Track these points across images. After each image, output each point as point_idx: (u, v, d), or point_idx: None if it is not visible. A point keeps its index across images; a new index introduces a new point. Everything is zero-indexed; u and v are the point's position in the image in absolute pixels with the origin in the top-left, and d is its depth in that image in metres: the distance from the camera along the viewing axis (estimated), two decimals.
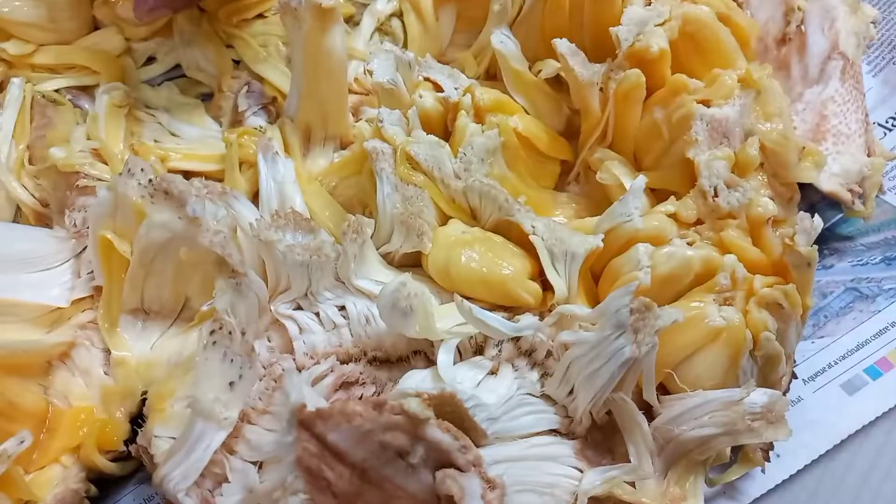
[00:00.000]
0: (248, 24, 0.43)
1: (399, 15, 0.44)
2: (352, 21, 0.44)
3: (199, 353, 0.26)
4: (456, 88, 0.34)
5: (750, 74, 0.33)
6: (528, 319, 0.29)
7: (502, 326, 0.28)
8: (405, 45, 0.42)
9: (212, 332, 0.26)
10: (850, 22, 0.38)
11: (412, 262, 0.32)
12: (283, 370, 0.28)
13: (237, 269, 0.27)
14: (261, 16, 0.44)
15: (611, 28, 0.34)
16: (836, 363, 0.36)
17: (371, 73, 0.34)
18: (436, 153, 0.32)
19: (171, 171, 0.38)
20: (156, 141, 0.39)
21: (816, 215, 0.30)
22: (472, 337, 0.29)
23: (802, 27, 0.39)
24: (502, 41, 0.36)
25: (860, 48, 0.38)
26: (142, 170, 0.30)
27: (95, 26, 0.43)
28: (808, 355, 0.36)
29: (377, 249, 0.32)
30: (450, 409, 0.26)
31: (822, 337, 0.36)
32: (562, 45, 0.34)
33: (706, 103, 0.33)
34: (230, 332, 0.26)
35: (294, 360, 0.29)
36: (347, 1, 0.44)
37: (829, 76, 0.38)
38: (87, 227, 0.32)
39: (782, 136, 0.32)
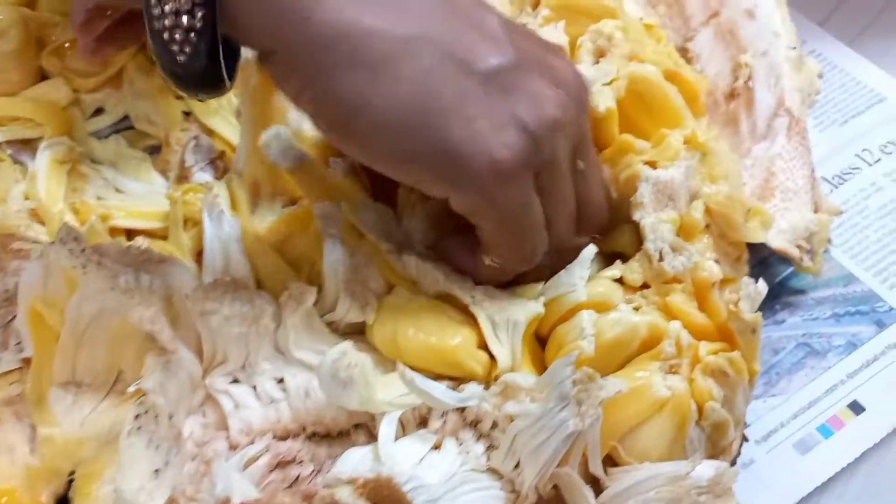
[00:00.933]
0: None
1: None
2: None
3: (124, 439, 0.25)
4: None
5: (696, 136, 0.33)
6: (472, 389, 0.28)
7: (446, 397, 0.27)
8: None
9: (137, 417, 0.25)
10: (794, 79, 0.39)
11: (357, 330, 0.31)
12: (213, 454, 0.27)
13: (167, 345, 0.27)
14: None
15: None
16: (789, 422, 0.35)
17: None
18: (382, 220, 0.31)
19: (113, 229, 0.37)
20: (99, 198, 0.38)
21: (761, 280, 0.30)
22: (415, 408, 0.28)
23: (750, 83, 0.40)
24: None
25: (805, 104, 0.39)
26: (75, 239, 0.29)
27: (42, 76, 0.43)
28: (760, 414, 0.36)
29: (322, 316, 0.31)
30: (387, 493, 0.25)
31: (774, 395, 0.36)
32: None
33: (653, 164, 0.33)
34: (157, 416, 0.25)
35: (228, 438, 0.28)
36: None
37: (776, 133, 0.38)
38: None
39: (728, 198, 0.32)
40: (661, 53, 0.36)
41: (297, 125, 0.34)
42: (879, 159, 0.43)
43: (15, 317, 0.32)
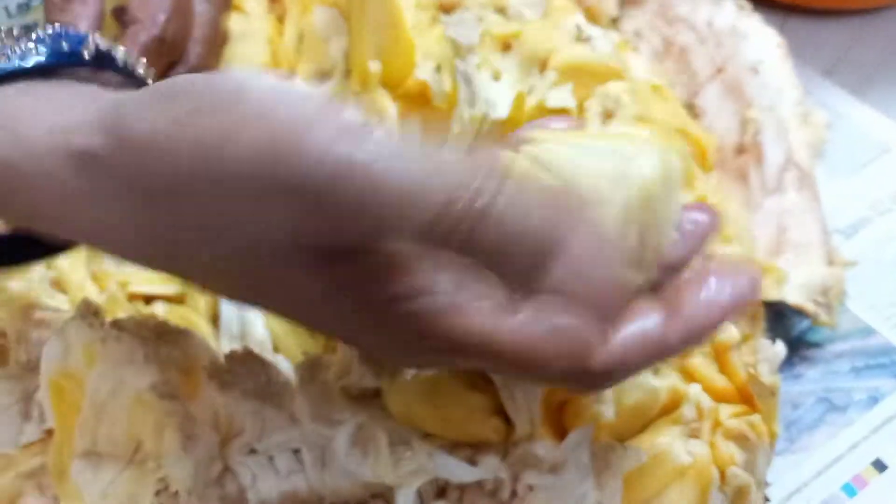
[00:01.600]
0: None
1: None
2: None
3: None
4: None
5: (706, 198, 0.33)
6: (489, 461, 0.28)
7: (463, 472, 0.27)
8: None
9: (157, 493, 0.25)
10: (802, 133, 0.39)
11: (372, 395, 0.31)
12: None
13: (185, 419, 0.27)
14: None
15: None
16: (812, 481, 0.35)
17: None
18: None
19: (132, 295, 0.38)
20: (117, 265, 0.39)
21: (779, 342, 0.30)
22: (432, 479, 0.28)
23: (758, 138, 0.40)
24: None
25: (813, 158, 0.39)
26: (94, 313, 0.29)
27: None
28: (781, 473, 0.35)
29: (337, 381, 0.31)
30: None
31: (795, 452, 0.36)
32: None
33: None
34: (176, 493, 0.25)
35: None
36: None
37: (786, 187, 0.39)
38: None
39: (741, 259, 0.32)
40: (669, 113, 0.37)
41: None
42: (891, 209, 0.43)
43: (37, 388, 0.32)
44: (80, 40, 0.25)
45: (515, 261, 0.21)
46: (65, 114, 0.22)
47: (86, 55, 0.24)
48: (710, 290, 0.22)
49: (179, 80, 0.22)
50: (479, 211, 0.19)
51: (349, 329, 0.23)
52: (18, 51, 0.24)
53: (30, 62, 0.23)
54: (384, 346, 0.23)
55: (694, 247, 0.25)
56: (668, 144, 0.25)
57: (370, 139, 0.19)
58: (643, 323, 0.22)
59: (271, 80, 0.21)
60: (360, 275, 0.21)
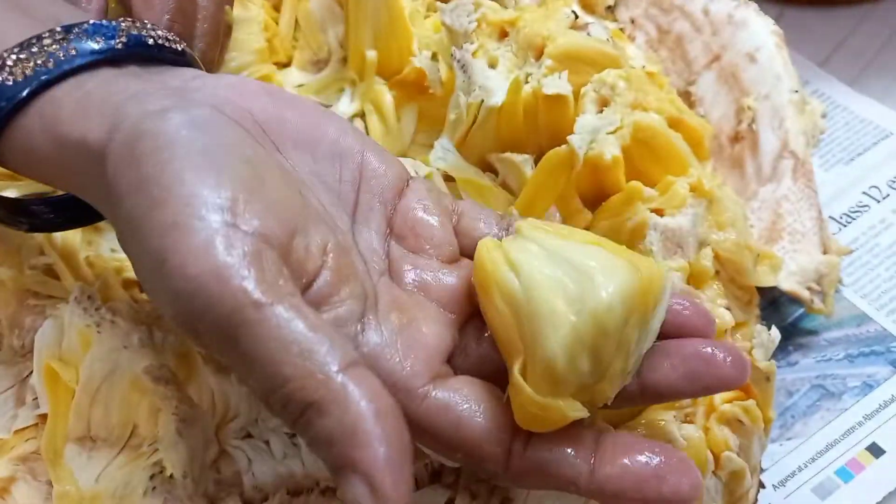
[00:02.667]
0: None
1: (361, 115, 0.44)
2: None
3: (140, 501, 0.25)
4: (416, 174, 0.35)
5: (701, 184, 0.33)
6: None
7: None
8: None
9: (152, 477, 0.25)
10: (798, 121, 0.39)
11: None
12: None
13: (180, 403, 0.27)
14: None
15: (568, 137, 0.34)
16: (806, 466, 0.35)
17: None
18: None
19: (127, 281, 0.38)
20: (113, 250, 0.39)
21: (774, 328, 0.30)
22: (427, 462, 0.28)
23: (754, 126, 0.40)
24: (441, 157, 0.36)
25: (810, 146, 0.39)
26: (89, 298, 0.29)
27: None
28: (776, 458, 0.35)
29: None
30: None
31: (790, 438, 0.36)
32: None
33: (660, 212, 0.33)
34: (171, 476, 0.25)
35: (242, 494, 0.28)
36: None
37: (782, 175, 0.39)
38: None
39: (736, 244, 0.32)
40: (665, 100, 0.37)
41: None
42: (888, 195, 0.43)
43: (31, 373, 0.32)
44: (113, 33, 0.26)
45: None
46: (84, 123, 0.25)
47: (118, 45, 0.26)
48: (640, 469, 0.23)
49: (149, 130, 0.23)
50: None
51: None
52: (62, 52, 0.25)
53: (75, 63, 0.25)
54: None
55: (688, 379, 0.24)
56: (651, 262, 0.24)
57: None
58: (564, 456, 0.23)
59: (225, 148, 0.23)
60: None
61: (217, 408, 0.29)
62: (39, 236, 0.38)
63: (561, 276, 0.22)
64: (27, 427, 0.31)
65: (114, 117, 0.24)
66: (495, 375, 0.24)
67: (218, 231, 0.21)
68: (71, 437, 0.30)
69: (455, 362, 0.25)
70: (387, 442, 0.20)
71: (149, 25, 0.27)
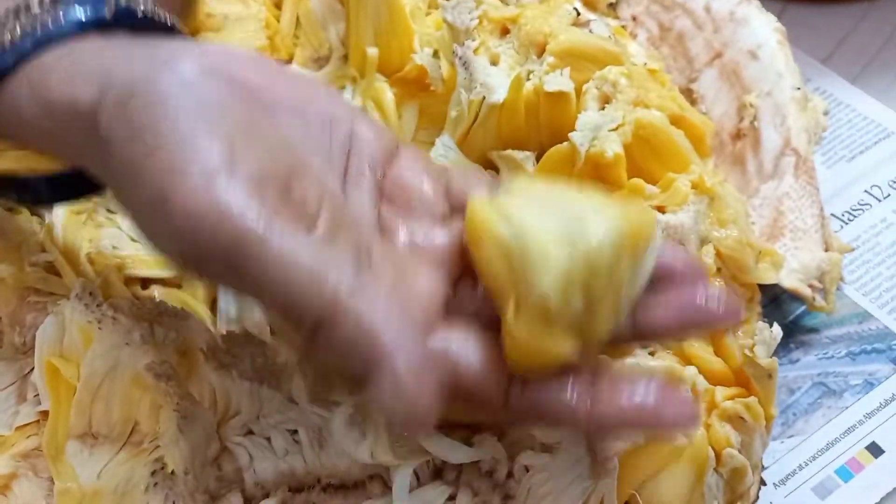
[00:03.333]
0: None
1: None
2: None
3: (141, 495, 0.25)
4: None
5: (703, 181, 0.33)
6: (485, 442, 0.28)
7: (459, 453, 0.27)
8: None
9: (153, 473, 0.25)
10: (800, 118, 0.39)
11: None
12: None
13: (182, 399, 0.27)
14: None
15: (570, 134, 0.34)
16: (807, 465, 0.35)
17: None
18: None
19: (128, 278, 0.38)
20: (114, 247, 0.39)
21: (776, 325, 0.30)
22: (429, 459, 0.28)
23: (755, 123, 0.40)
24: (443, 154, 0.36)
25: (812, 143, 0.39)
26: (90, 294, 0.29)
27: None
28: (777, 457, 0.35)
29: None
30: None
31: (791, 436, 0.36)
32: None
33: (661, 209, 0.33)
34: (172, 472, 0.25)
35: (243, 490, 0.28)
36: None
37: (784, 172, 0.39)
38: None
39: (738, 242, 0.32)
40: (666, 98, 0.37)
41: None
42: (889, 195, 0.43)
43: (32, 369, 0.32)
44: (102, 1, 0.26)
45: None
46: (73, 88, 0.25)
47: (107, 14, 0.26)
48: (638, 398, 0.22)
49: (139, 90, 0.23)
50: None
51: None
52: (50, 19, 0.25)
53: (63, 30, 0.25)
54: None
55: (680, 319, 0.24)
56: (640, 208, 0.24)
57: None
58: (562, 392, 0.23)
59: (215, 100, 0.23)
60: None
61: (218, 404, 0.29)
62: (41, 233, 0.38)
63: (551, 221, 0.22)
64: (28, 424, 0.31)
65: (103, 80, 0.24)
66: (490, 328, 0.24)
67: (217, 169, 0.21)
68: (72, 434, 0.30)
69: (450, 318, 0.24)
70: (404, 344, 0.20)
71: None
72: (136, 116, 0.23)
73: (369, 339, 0.20)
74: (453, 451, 0.27)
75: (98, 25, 0.26)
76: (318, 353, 0.21)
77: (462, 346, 0.23)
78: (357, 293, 0.21)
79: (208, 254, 0.21)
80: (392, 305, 0.22)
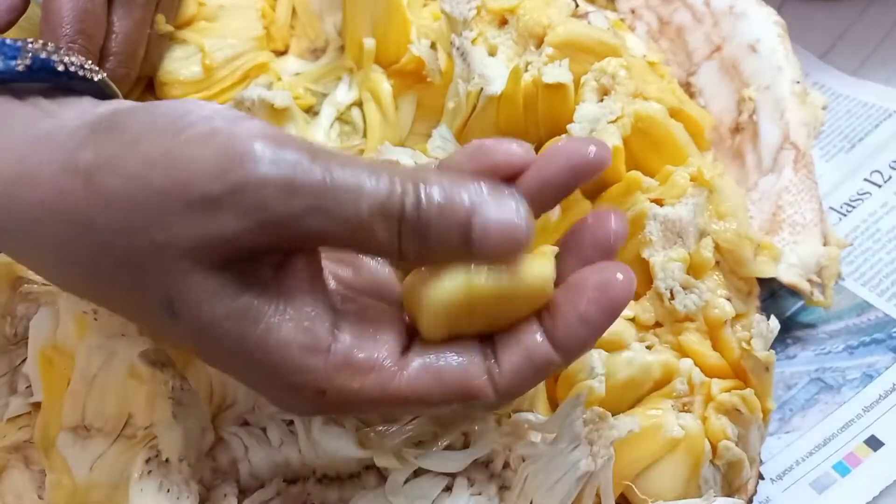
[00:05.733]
0: None
1: (359, 104, 0.44)
2: (311, 111, 0.44)
3: (134, 483, 0.25)
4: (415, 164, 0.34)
5: (702, 174, 0.33)
6: (484, 435, 0.28)
7: (455, 461, 0.27)
8: (365, 135, 0.43)
9: (147, 461, 0.25)
10: (799, 113, 0.39)
11: None
12: (223, 498, 0.27)
13: (176, 386, 0.26)
14: None
15: (568, 126, 0.34)
16: (804, 460, 0.35)
17: None
18: None
19: None
20: None
21: (773, 318, 0.29)
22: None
23: (754, 117, 0.40)
24: (440, 145, 0.36)
25: (811, 138, 0.39)
26: None
27: None
28: (774, 452, 0.35)
29: None
30: None
31: (788, 432, 0.36)
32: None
33: (660, 202, 0.33)
34: (167, 460, 0.25)
35: (238, 481, 0.27)
36: (307, 91, 0.44)
37: (783, 166, 0.38)
38: (27, 339, 0.31)
39: (736, 235, 0.32)
40: (665, 90, 0.37)
41: None
42: (891, 177, 0.42)
43: (24, 360, 0.32)
44: (16, 53, 0.24)
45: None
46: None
47: (20, 68, 0.24)
48: (585, 304, 0.23)
49: (121, 115, 0.23)
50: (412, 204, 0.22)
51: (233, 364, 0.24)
52: None
53: None
54: (264, 388, 0.24)
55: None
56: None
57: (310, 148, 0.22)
58: (528, 349, 0.23)
59: (208, 106, 0.23)
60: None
61: (214, 395, 0.29)
62: None
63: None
64: (20, 415, 0.31)
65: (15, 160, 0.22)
66: None
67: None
68: (65, 426, 0.30)
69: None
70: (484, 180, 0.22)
71: (62, 50, 0.25)
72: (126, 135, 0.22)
73: (453, 195, 0.22)
74: (449, 461, 0.27)
75: (9, 79, 0.24)
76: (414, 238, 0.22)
77: (432, 353, 0.24)
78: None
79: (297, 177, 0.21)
80: (370, 364, 0.23)
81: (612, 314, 0.23)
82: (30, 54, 0.24)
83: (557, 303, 0.23)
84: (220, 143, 0.22)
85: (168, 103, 0.23)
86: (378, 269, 0.26)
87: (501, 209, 0.22)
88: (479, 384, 0.23)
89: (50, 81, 0.25)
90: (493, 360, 0.23)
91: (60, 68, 0.25)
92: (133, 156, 0.22)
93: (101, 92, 0.26)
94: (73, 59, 0.25)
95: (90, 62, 0.26)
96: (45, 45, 0.25)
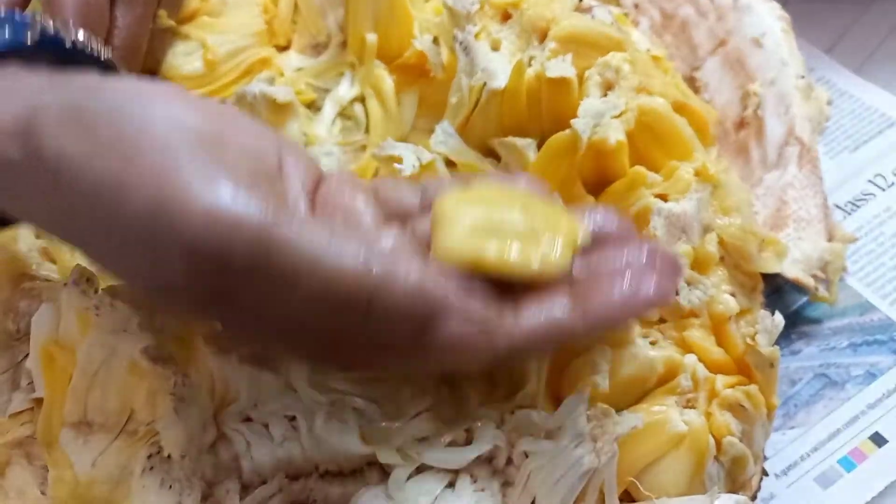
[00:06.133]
0: None
1: (361, 100, 0.44)
2: (313, 106, 0.44)
3: (137, 479, 0.25)
4: (418, 160, 0.34)
5: (706, 169, 0.33)
6: (486, 432, 0.28)
7: (457, 457, 0.27)
8: (367, 130, 0.42)
9: (149, 457, 0.25)
10: (804, 108, 0.39)
11: None
12: (225, 494, 0.26)
13: (178, 382, 0.26)
14: None
15: (571, 120, 0.34)
16: (809, 455, 0.35)
17: None
18: None
19: None
20: None
21: (777, 313, 0.29)
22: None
23: (759, 112, 0.40)
24: (443, 141, 0.36)
25: (815, 133, 0.39)
26: (87, 280, 0.29)
27: None
28: (779, 447, 0.35)
29: None
30: None
31: (793, 427, 0.36)
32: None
33: (664, 197, 0.32)
34: (169, 456, 0.25)
35: (240, 477, 0.27)
36: (309, 86, 0.44)
37: (788, 161, 0.38)
38: (29, 335, 0.31)
39: (741, 230, 0.32)
40: (670, 85, 0.36)
41: None
42: (893, 184, 0.42)
43: (26, 356, 0.32)
44: (25, 26, 0.25)
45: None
46: None
47: (28, 41, 0.25)
48: (622, 287, 0.24)
49: (91, 106, 0.23)
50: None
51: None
52: None
53: None
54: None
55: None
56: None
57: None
58: (551, 310, 0.24)
59: (177, 114, 0.22)
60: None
61: (217, 391, 0.29)
62: None
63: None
64: (22, 411, 0.31)
65: (33, 101, 0.22)
66: None
67: (217, 167, 0.21)
68: (67, 422, 0.30)
69: None
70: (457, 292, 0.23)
71: (70, 23, 0.26)
72: (101, 130, 0.21)
73: (421, 293, 0.22)
74: (452, 458, 0.27)
75: (17, 52, 0.24)
76: (374, 325, 0.22)
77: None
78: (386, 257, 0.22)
79: (230, 252, 0.20)
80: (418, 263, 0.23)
81: (651, 301, 0.24)
82: (39, 27, 0.25)
83: (591, 281, 0.24)
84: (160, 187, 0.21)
85: (132, 107, 0.22)
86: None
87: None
88: (494, 332, 0.23)
89: (58, 54, 0.25)
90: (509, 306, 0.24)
91: (68, 45, 0.25)
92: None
93: (106, 70, 0.27)
94: (81, 34, 0.26)
95: (98, 42, 0.26)
96: (54, 19, 0.25)
